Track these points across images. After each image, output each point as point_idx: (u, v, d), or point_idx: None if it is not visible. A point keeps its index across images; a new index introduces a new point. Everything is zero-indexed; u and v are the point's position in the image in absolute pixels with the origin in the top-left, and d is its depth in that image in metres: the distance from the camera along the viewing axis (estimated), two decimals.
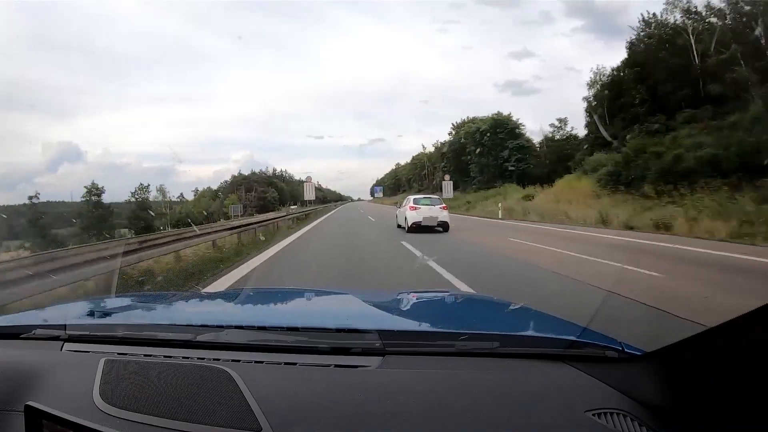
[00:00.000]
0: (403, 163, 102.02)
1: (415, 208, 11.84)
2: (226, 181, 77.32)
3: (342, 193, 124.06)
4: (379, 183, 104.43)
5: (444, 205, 12.43)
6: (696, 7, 23.57)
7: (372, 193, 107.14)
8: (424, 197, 12.78)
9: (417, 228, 11.49)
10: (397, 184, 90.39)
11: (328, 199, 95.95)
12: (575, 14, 74.86)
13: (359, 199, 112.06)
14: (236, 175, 77.93)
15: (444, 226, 11.71)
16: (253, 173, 79.61)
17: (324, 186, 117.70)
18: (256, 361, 0.86)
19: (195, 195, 70.64)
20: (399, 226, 13.20)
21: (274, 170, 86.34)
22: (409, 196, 13.49)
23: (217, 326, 0.98)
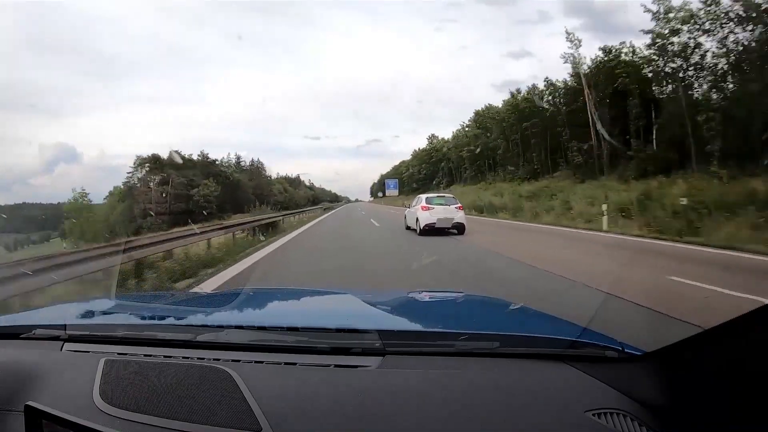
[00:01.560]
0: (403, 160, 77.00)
1: (428, 208, 10.82)
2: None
3: (339, 194, 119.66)
4: (391, 176, 76.14)
5: (460, 204, 11.30)
6: None
7: (374, 193, 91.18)
8: (438, 196, 11.68)
9: (430, 230, 10.50)
10: (429, 173, 58.26)
11: (320, 199, 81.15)
12: (574, 14, 74.04)
13: (357, 200, 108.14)
14: (144, 156, 47.30)
15: (459, 228, 10.70)
16: (177, 155, 48.34)
17: (318, 185, 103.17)
18: (256, 361, 0.86)
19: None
20: (408, 228, 12.21)
21: (239, 158, 61.81)
22: (420, 195, 12.34)
23: (217, 326, 0.98)
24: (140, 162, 48.41)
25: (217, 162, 57.31)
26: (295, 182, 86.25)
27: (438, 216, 10.66)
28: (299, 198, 71.73)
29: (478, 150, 42.09)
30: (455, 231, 10.75)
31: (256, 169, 66.70)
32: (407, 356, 0.87)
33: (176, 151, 50.97)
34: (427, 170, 60.11)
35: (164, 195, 44.23)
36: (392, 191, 60.34)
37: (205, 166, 52.89)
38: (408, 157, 75.80)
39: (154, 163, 47.77)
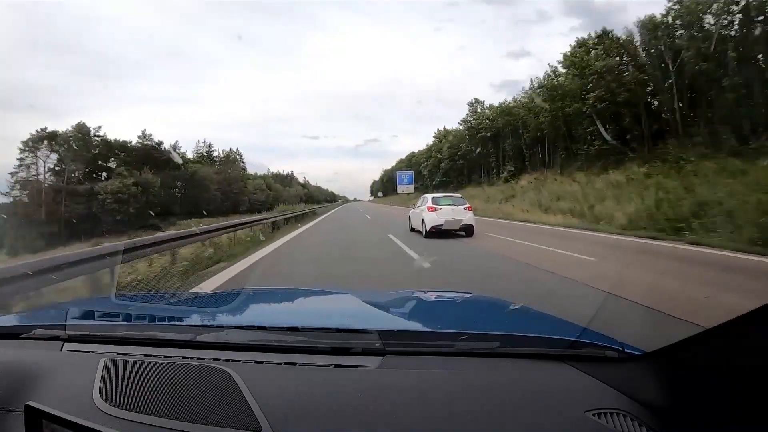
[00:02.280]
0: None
1: (434, 209, 10.21)
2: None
3: (338, 193, 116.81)
4: (403, 166, 59.45)
5: (468, 205, 10.70)
6: None
7: (374, 192, 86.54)
8: (445, 196, 11.03)
9: (437, 233, 9.87)
10: (474, 158, 37.52)
11: (315, 198, 74.58)
12: (573, 13, 73.29)
13: (355, 199, 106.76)
14: (36, 132, 30.28)
15: (467, 230, 10.11)
16: (77, 130, 32.72)
17: (315, 184, 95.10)
18: (256, 361, 0.86)
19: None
20: (412, 230, 11.54)
21: (210, 146, 50.66)
22: (426, 195, 11.59)
23: (217, 326, 0.99)
24: (31, 140, 29.25)
25: (162, 146, 39.09)
26: (286, 179, 76.34)
27: (445, 217, 10.07)
28: (289, 197, 60.38)
29: (622, 97, 20.33)
30: (463, 233, 10.16)
31: (230, 161, 51.88)
32: (407, 356, 0.87)
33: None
34: (470, 153, 38.74)
35: (54, 193, 26.04)
36: (406, 187, 42.89)
37: (146, 153, 35.13)
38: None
39: (50, 143, 28.79)
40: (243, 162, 57.69)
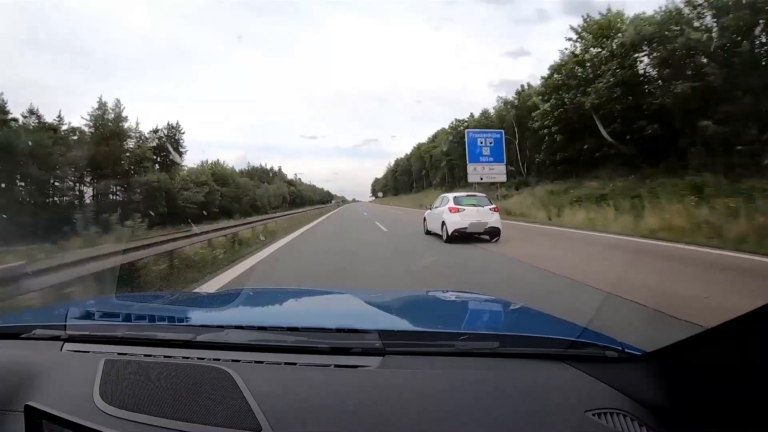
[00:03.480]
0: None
1: (457, 210, 9.17)
2: None
3: (336, 193, 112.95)
4: (428, 149, 40.68)
5: (495, 206, 9.58)
6: None
7: (374, 191, 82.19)
8: (468, 195, 9.96)
9: (460, 237, 8.86)
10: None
11: (306, 199, 63.87)
12: (573, 12, 73.09)
13: (354, 200, 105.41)
14: None
15: (493, 234, 9.03)
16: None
17: (308, 182, 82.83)
18: (256, 361, 0.86)
19: None
20: (429, 233, 10.54)
21: (119, 106, 31.03)
22: (446, 195, 10.34)
23: (217, 326, 0.98)
24: None
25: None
26: (267, 174, 62.07)
27: (470, 219, 8.97)
28: (263, 196, 48.00)
29: None
30: (487, 237, 9.13)
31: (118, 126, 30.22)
32: (407, 356, 0.87)
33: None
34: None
35: None
36: (488, 167, 21.03)
37: None
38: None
39: None
40: (181, 141, 39.67)
